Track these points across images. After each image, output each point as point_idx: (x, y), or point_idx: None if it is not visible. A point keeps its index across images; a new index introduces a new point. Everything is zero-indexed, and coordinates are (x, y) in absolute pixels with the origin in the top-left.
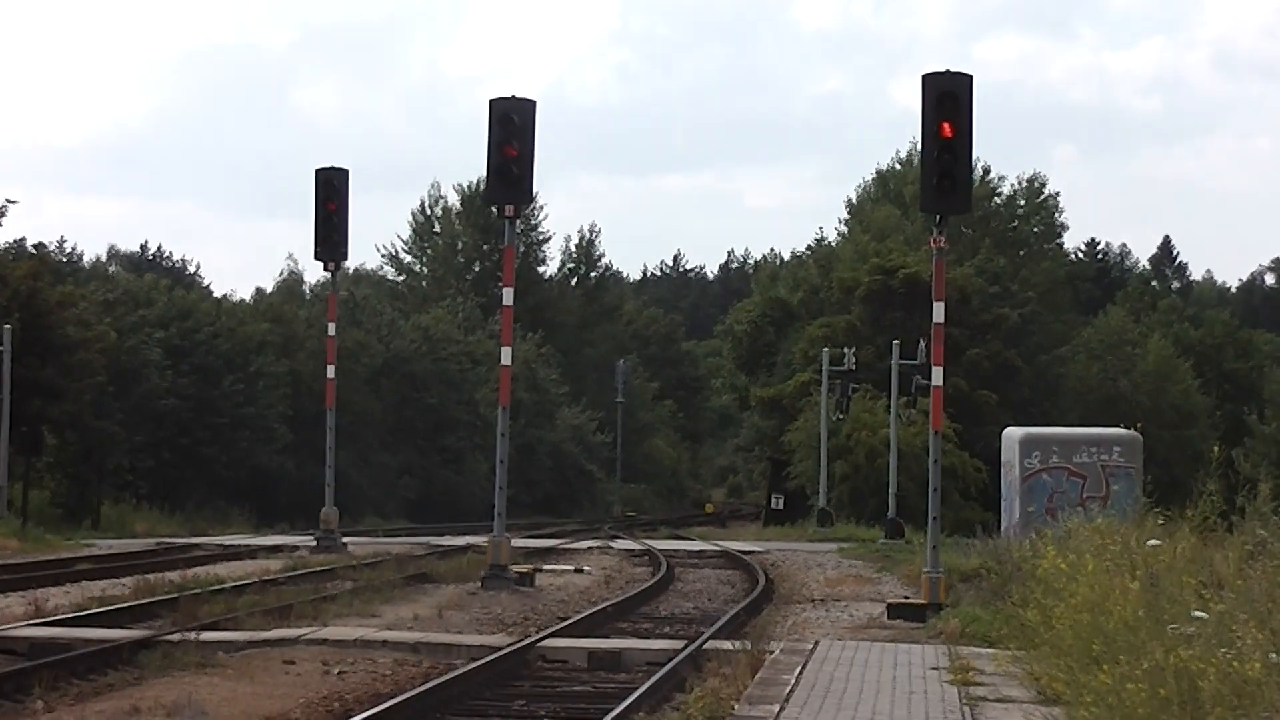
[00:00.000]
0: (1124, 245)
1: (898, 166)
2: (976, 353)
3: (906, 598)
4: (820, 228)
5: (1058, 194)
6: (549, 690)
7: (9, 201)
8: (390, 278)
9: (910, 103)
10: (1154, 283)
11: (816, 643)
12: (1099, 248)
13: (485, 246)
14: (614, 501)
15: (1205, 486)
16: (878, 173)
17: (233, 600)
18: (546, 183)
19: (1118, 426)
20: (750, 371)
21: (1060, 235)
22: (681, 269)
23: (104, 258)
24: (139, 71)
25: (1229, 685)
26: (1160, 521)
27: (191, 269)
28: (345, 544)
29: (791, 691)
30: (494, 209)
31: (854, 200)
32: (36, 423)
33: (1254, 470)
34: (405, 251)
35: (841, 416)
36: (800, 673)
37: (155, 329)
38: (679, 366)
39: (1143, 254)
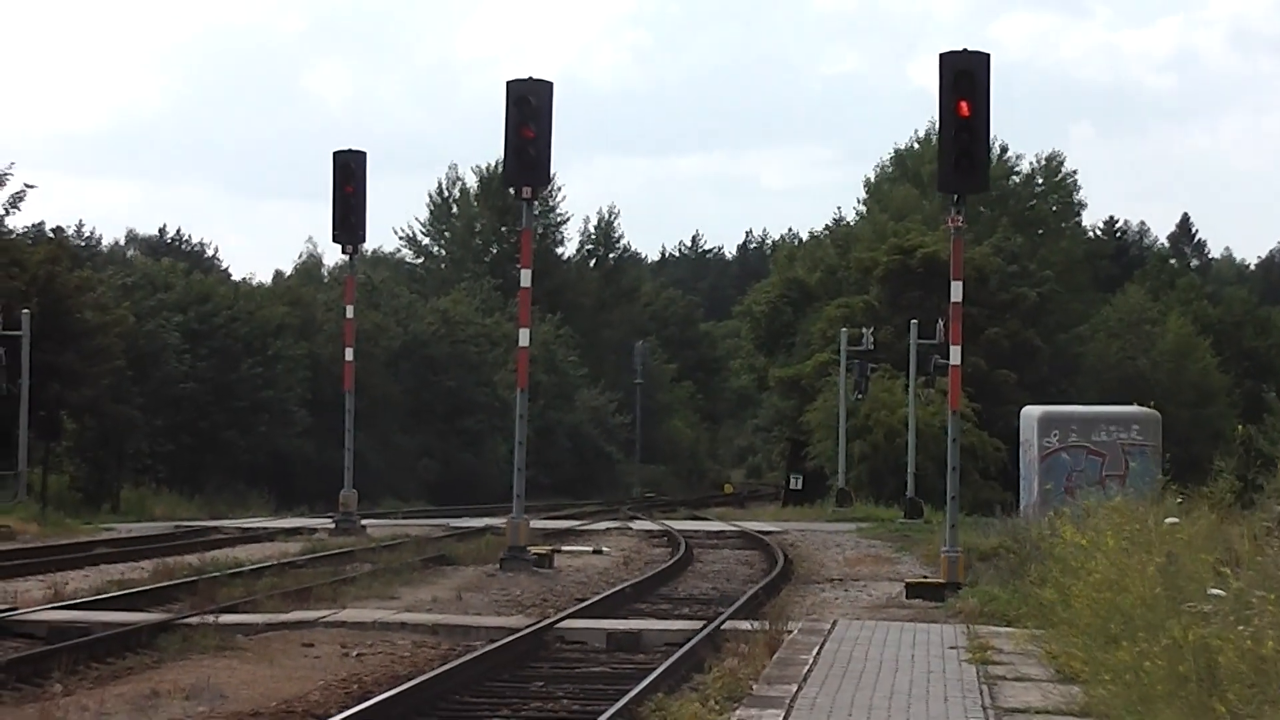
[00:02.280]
0: (1142, 223)
1: (915, 146)
2: (995, 332)
3: (925, 577)
4: (838, 208)
5: (1075, 172)
6: (567, 671)
7: (27, 186)
8: (408, 260)
9: (927, 82)
10: (1173, 260)
11: (835, 622)
12: (1117, 226)
13: (503, 228)
14: (633, 483)
15: (1223, 464)
16: (895, 152)
17: (251, 583)
18: (563, 165)
19: (1136, 405)
20: (769, 352)
21: (1078, 214)
22: (700, 250)
23: (122, 242)
24: (154, 56)
25: (1247, 662)
26: (1179, 500)
27: (210, 252)
28: (364, 526)
29: (809, 671)
30: (512, 191)
31: (872, 180)
32: (56, 407)
33: (1273, 448)
34: (423, 234)
35: (860, 396)
36: (818, 652)
37: (174, 313)
38: (697, 347)
39: (1161, 232)
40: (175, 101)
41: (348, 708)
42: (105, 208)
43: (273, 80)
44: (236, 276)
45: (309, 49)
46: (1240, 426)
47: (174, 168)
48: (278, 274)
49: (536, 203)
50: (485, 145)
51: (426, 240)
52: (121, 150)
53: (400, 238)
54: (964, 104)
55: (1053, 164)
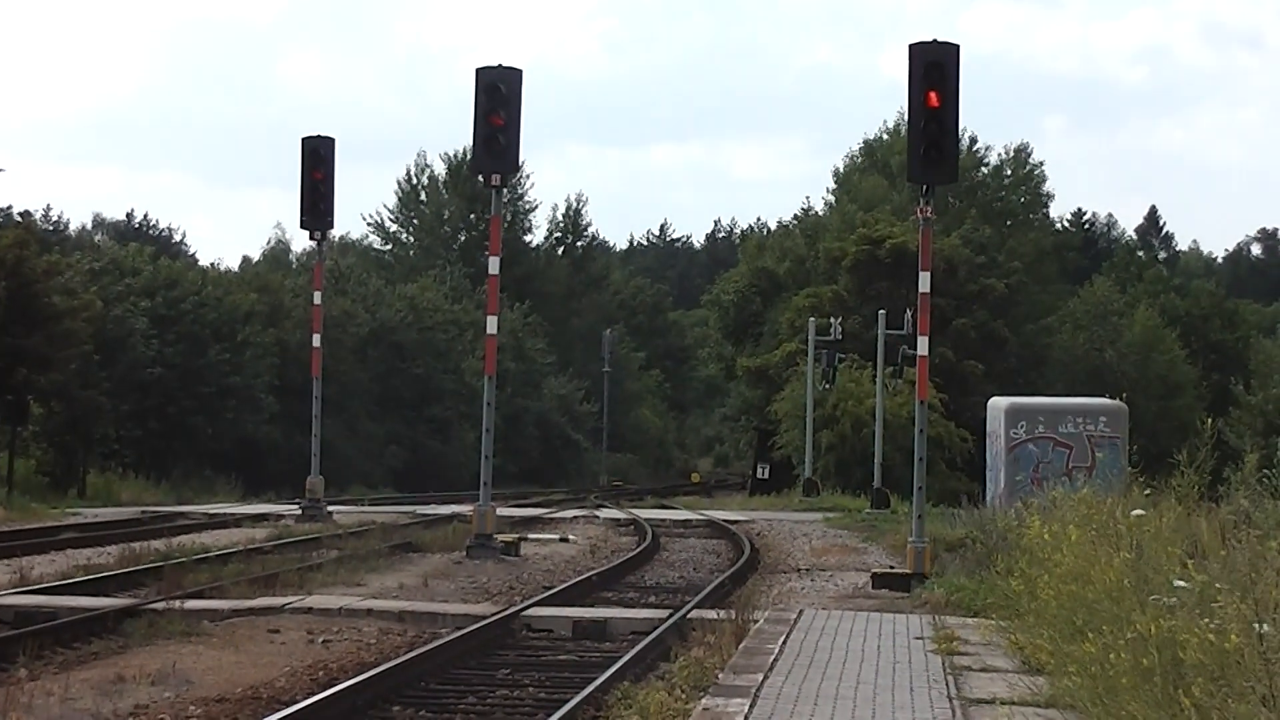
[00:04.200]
0: (1110, 215)
1: (885, 137)
2: (963, 323)
3: (892, 567)
4: (807, 198)
5: (1042, 164)
6: (534, 659)
7: None
8: (377, 247)
9: (898, 73)
10: (1140, 253)
11: (801, 612)
12: (1085, 218)
13: (472, 216)
14: (600, 471)
15: (1191, 456)
16: (865, 143)
17: (218, 569)
18: (533, 153)
19: (1103, 397)
20: (737, 341)
21: (1046, 205)
22: (668, 239)
23: (89, 226)
24: (126, 41)
25: (1211, 655)
26: (1146, 492)
27: (178, 238)
28: (331, 513)
29: (776, 660)
30: (480, 178)
31: (841, 170)
32: (23, 392)
33: (1240, 440)
34: (392, 221)
35: (828, 386)
36: (784, 642)
37: (141, 298)
38: (666, 336)
39: (1129, 224)
40: (147, 87)
41: (313, 694)
42: (75, 193)
43: (244, 66)
44: (204, 262)
45: (281, 35)
46: (1210, 420)
47: (144, 153)
48: (246, 260)
49: (505, 190)
50: (456, 132)
51: (395, 227)
52: (91, 135)
53: (369, 224)
54: (933, 95)
55: (1021, 156)
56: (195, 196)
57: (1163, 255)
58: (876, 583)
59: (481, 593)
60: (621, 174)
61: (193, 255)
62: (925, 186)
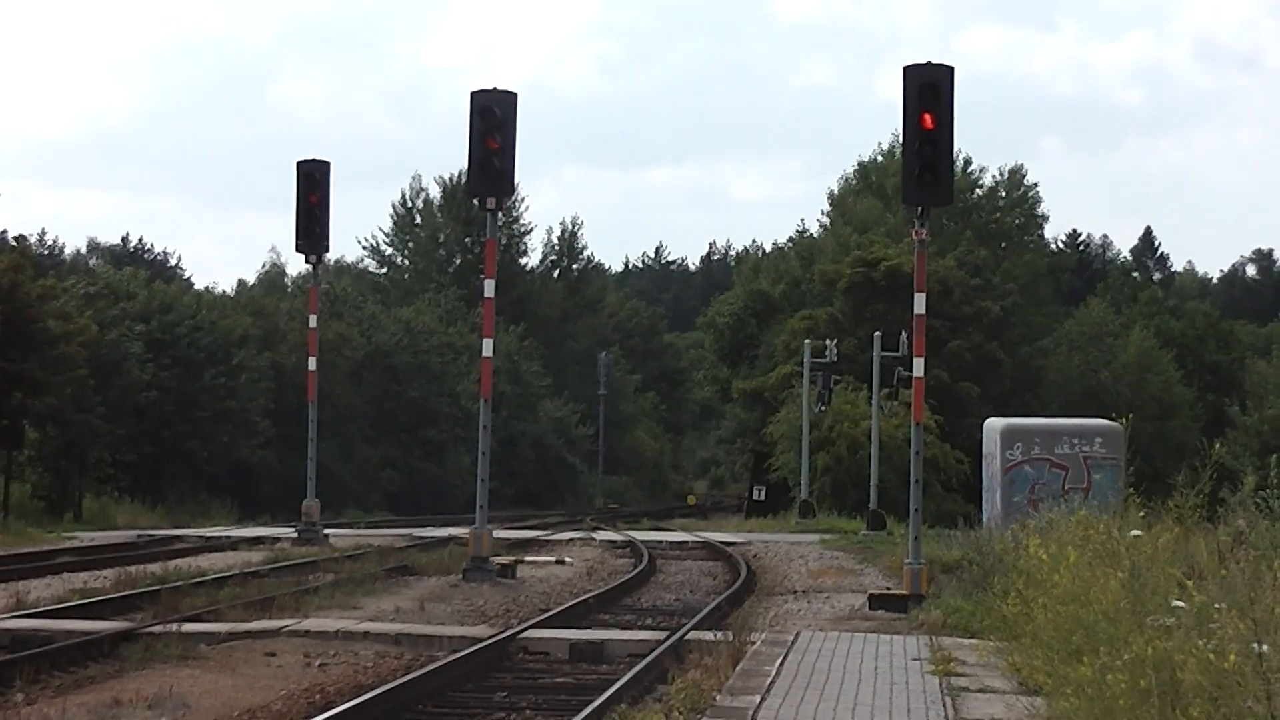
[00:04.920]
0: (1105, 237)
1: (879, 159)
2: (958, 344)
3: (888, 589)
4: (802, 220)
5: (1036, 185)
6: (531, 682)
7: None
8: (372, 270)
9: (893, 95)
10: (1135, 274)
11: (798, 634)
12: (1080, 239)
13: (467, 239)
14: (596, 493)
15: (1191, 478)
16: (859, 165)
17: (214, 592)
18: (528, 175)
19: (1099, 418)
20: (732, 364)
21: (1041, 227)
22: (663, 261)
23: (85, 251)
24: (122, 64)
25: (1208, 676)
26: (1142, 513)
27: (173, 262)
28: (327, 536)
29: (773, 682)
30: (476, 202)
31: (836, 192)
32: (18, 416)
33: (1235, 461)
34: (387, 244)
35: (823, 408)
36: (781, 663)
37: (136, 322)
38: (661, 359)
39: (1124, 245)
40: (143, 110)
41: (310, 717)
42: (70, 217)
43: (241, 90)
44: (200, 286)
45: (278, 60)
46: (1217, 444)
47: (140, 177)
48: (241, 283)
49: (500, 213)
50: (453, 155)
51: (390, 250)
52: (87, 159)
53: (364, 248)
54: (928, 117)
55: (1016, 177)
56: (191, 219)
57: (1158, 276)
58: (873, 604)
59: (478, 615)
60: (617, 196)
61: (188, 279)
62: (920, 209)
